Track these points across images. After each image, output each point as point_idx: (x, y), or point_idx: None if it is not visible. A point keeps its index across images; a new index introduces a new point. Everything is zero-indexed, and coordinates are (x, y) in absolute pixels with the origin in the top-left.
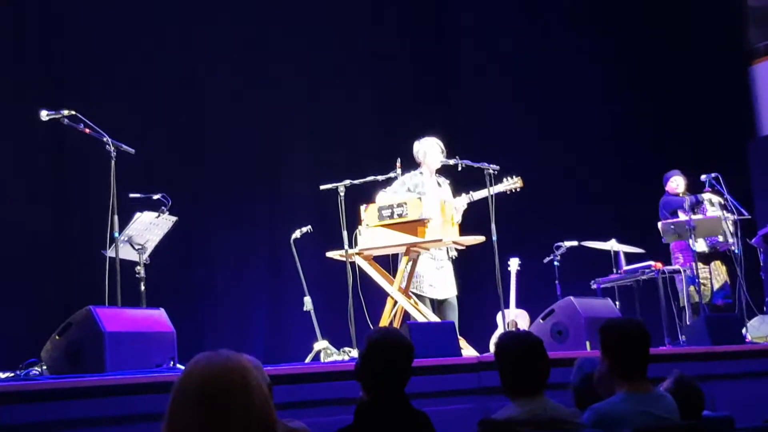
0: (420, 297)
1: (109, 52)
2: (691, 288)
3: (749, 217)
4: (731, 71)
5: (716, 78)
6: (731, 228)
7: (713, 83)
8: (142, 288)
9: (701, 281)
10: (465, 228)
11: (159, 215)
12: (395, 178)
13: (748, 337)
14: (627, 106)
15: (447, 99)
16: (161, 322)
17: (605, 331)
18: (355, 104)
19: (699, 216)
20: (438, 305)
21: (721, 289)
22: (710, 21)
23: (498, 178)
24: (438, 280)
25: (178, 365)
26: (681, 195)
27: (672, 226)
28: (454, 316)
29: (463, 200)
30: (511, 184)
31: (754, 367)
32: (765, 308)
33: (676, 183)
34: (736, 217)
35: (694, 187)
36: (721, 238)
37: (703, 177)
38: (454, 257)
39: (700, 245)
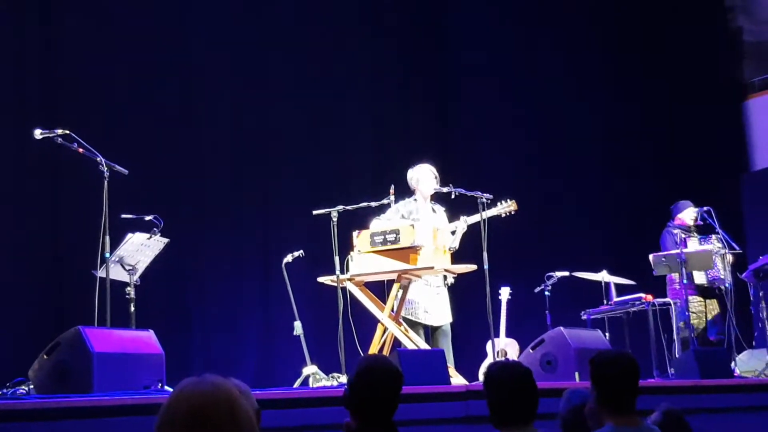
0: (414, 323)
1: (105, 74)
2: (681, 323)
3: (740, 251)
4: (726, 105)
5: (711, 112)
6: (728, 264)
7: (708, 117)
8: (132, 309)
9: (695, 313)
10: (457, 256)
11: (151, 236)
12: (388, 204)
13: (737, 371)
14: (621, 139)
15: (443, 126)
16: (150, 344)
17: (595, 363)
18: (350, 130)
19: (690, 249)
20: (432, 332)
21: (714, 323)
22: (706, 55)
23: (492, 204)
24: (433, 306)
25: (166, 387)
26: (691, 228)
27: (663, 259)
28: (447, 343)
29: (461, 224)
30: (506, 207)
31: (742, 401)
32: (754, 343)
33: (691, 215)
34: (732, 252)
35: None
36: (722, 274)
37: (696, 210)
38: (450, 284)
39: (700, 278)
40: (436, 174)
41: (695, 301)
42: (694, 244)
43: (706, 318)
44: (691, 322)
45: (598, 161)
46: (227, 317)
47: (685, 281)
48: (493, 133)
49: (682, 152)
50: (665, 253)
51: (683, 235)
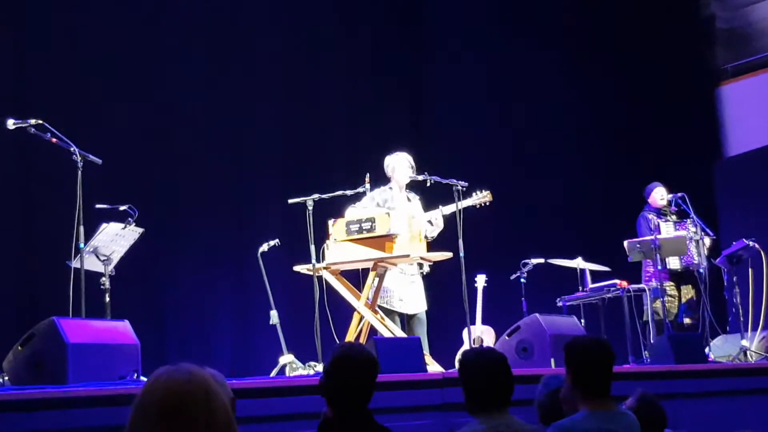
0: (389, 311)
1: (78, 63)
2: (656, 303)
3: (714, 237)
4: (699, 92)
5: (684, 98)
6: (704, 249)
7: (681, 103)
8: (107, 299)
9: (670, 297)
10: (433, 244)
11: (125, 226)
12: (364, 192)
13: (711, 356)
14: (595, 125)
15: (418, 114)
16: (125, 334)
17: (570, 348)
18: (326, 118)
19: (664, 235)
20: (407, 320)
21: (689, 308)
22: (679, 41)
23: (467, 193)
24: (408, 294)
25: (142, 378)
26: (664, 209)
27: (638, 245)
28: (422, 331)
29: (436, 214)
30: (481, 198)
31: (717, 386)
32: (728, 328)
33: (661, 195)
34: (707, 236)
35: None
36: (696, 259)
37: (669, 196)
38: (426, 272)
39: (674, 263)
40: (412, 163)
41: (669, 287)
42: (669, 229)
43: (679, 303)
44: (666, 306)
45: (573, 149)
46: (203, 307)
47: (659, 267)
48: (469, 122)
49: (656, 139)
50: (639, 239)
51: (657, 221)
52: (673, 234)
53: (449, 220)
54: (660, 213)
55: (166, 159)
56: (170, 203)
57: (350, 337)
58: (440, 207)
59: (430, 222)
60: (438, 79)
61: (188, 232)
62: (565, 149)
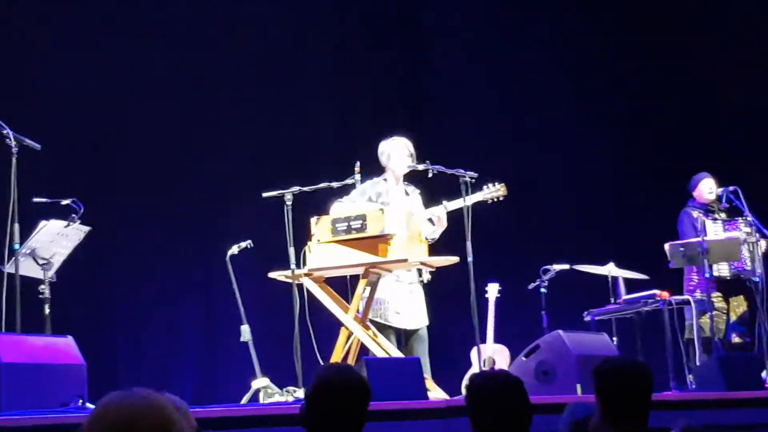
0: (384, 327)
1: (17, 40)
2: (703, 318)
3: None
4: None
5: (738, 73)
6: (759, 253)
7: (733, 79)
8: (47, 311)
9: (717, 312)
10: (435, 246)
11: (68, 224)
12: (353, 185)
13: None
14: (630, 102)
15: (416, 93)
16: (69, 353)
17: (600, 372)
18: (308, 97)
19: (712, 236)
20: (405, 337)
21: (741, 323)
22: (738, 19)
23: (477, 185)
24: (406, 307)
25: (88, 405)
26: (711, 205)
27: (681, 248)
28: (423, 350)
29: (439, 210)
30: (493, 192)
31: None
32: None
33: (709, 187)
34: (765, 240)
35: None
36: (749, 265)
37: (719, 190)
38: (427, 280)
39: (722, 270)
40: (411, 149)
41: (717, 298)
42: (717, 229)
43: (727, 318)
44: (714, 322)
45: (603, 132)
46: (161, 321)
47: (707, 275)
48: (479, 102)
49: (702, 121)
50: (683, 241)
51: (703, 219)
52: (723, 235)
53: (455, 218)
54: (707, 210)
55: (119, 146)
56: (122, 197)
57: (336, 357)
58: (444, 202)
59: (431, 220)
60: (440, 53)
61: (144, 232)
62: (594, 135)
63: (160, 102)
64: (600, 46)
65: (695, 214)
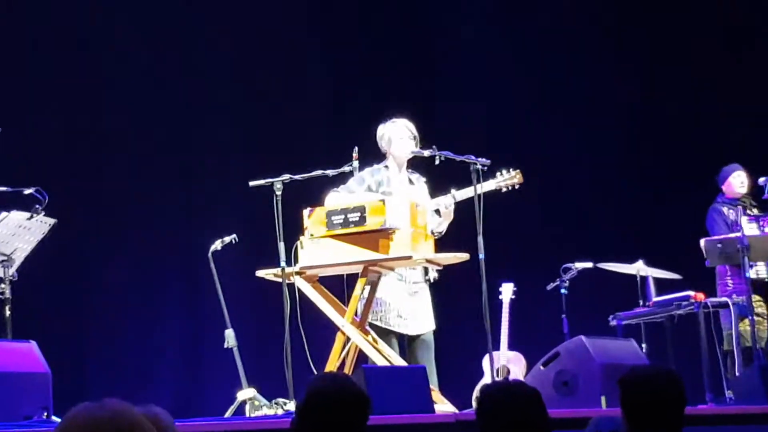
0: (385, 331)
1: None
2: (743, 323)
3: None
4: None
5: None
6: None
7: None
8: (7, 313)
9: (759, 317)
10: (442, 242)
11: (32, 216)
12: (351, 173)
13: None
14: (662, 82)
15: (421, 70)
16: (32, 360)
17: (627, 382)
18: (300, 75)
19: (756, 232)
20: (409, 343)
21: None
22: None
23: (490, 173)
24: (410, 309)
25: (54, 418)
26: (743, 199)
27: (719, 245)
28: (429, 358)
29: (447, 200)
30: (507, 179)
31: None
32: None
33: (741, 180)
34: None
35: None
36: None
37: (761, 180)
38: (434, 279)
39: (760, 271)
40: (415, 132)
41: (757, 303)
42: (752, 225)
43: None
44: (755, 328)
45: (629, 116)
46: (135, 324)
47: (747, 274)
48: (491, 82)
49: (739, 105)
50: (721, 237)
51: (735, 214)
52: (758, 232)
53: (465, 209)
54: (738, 205)
55: (88, 127)
56: (92, 185)
57: (332, 365)
58: (452, 191)
59: (437, 212)
60: (448, 21)
61: (116, 225)
62: (621, 112)
63: (134, 82)
64: (627, 30)
65: (725, 210)
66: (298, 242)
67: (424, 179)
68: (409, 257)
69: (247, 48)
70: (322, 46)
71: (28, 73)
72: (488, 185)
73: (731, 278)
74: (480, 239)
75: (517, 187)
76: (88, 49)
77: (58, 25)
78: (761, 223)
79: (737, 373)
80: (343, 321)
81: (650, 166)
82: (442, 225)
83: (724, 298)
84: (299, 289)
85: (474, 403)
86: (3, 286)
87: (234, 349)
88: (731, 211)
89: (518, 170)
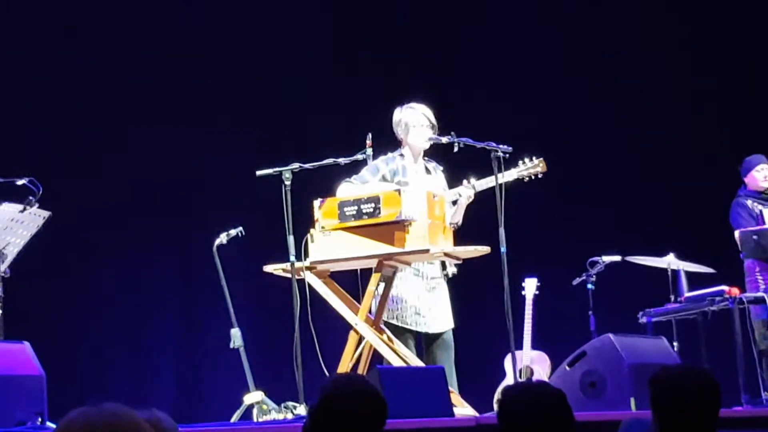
0: (401, 330)
1: None
2: None
3: None
4: None
5: None
6: None
7: None
8: None
9: None
10: (461, 234)
11: (24, 208)
12: (364, 161)
13: None
14: (695, 64)
15: (438, 49)
16: (25, 362)
17: (657, 383)
18: (308, 57)
19: None
20: (426, 343)
21: None
22: None
23: (511, 162)
24: (428, 306)
25: (49, 424)
26: (766, 192)
27: (755, 236)
28: (448, 358)
29: (466, 190)
30: (530, 168)
31: None
32: None
33: (765, 174)
34: None
35: None
36: None
37: None
38: (452, 274)
39: None
40: (432, 119)
41: None
42: None
43: None
44: None
45: (658, 102)
46: (135, 323)
47: None
48: (512, 63)
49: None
50: (759, 228)
51: (760, 207)
52: None
53: (485, 199)
54: (762, 199)
55: (83, 113)
56: (87, 176)
57: (344, 366)
58: (472, 180)
59: (454, 203)
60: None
61: (114, 217)
62: (650, 98)
63: (132, 65)
64: (666, 25)
65: (750, 203)
66: (309, 235)
67: (441, 168)
68: (427, 251)
69: (250, 28)
70: (334, 22)
71: (25, 65)
72: (510, 174)
73: (761, 274)
74: (501, 231)
75: (540, 176)
76: (81, 39)
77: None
78: None
79: None
80: (356, 319)
81: (683, 153)
82: (456, 214)
83: (761, 294)
84: (310, 285)
85: (495, 406)
86: None
87: (240, 350)
88: (756, 204)
89: (541, 158)
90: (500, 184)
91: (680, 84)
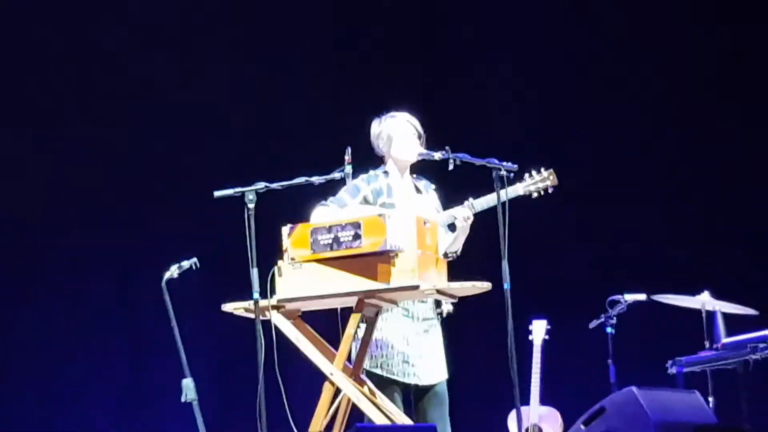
0: (386, 381)
1: None
2: None
3: None
4: None
5: None
6: None
7: None
8: None
9: None
10: (458, 266)
11: None
12: (342, 180)
13: None
14: (722, 79)
15: (429, 49)
16: None
17: None
18: (278, 57)
19: None
20: (417, 397)
21: None
22: None
23: (516, 177)
24: (418, 353)
25: None
26: None
27: None
28: (442, 414)
29: (463, 212)
30: (538, 182)
31: None
32: None
33: None
34: None
35: None
36: None
37: None
38: (447, 314)
39: None
40: (420, 129)
41: None
42: None
43: None
44: None
45: (690, 111)
46: (70, 370)
47: None
48: (513, 67)
49: None
50: None
51: None
52: None
53: (485, 223)
54: None
55: (22, 125)
56: (21, 195)
57: (318, 424)
58: (470, 200)
59: (451, 228)
60: None
61: (46, 242)
62: (676, 110)
63: (78, 75)
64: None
65: None
66: (276, 268)
67: (433, 186)
68: (416, 287)
69: (214, 19)
70: (304, 23)
71: None
72: (515, 190)
73: None
74: (505, 264)
75: (550, 191)
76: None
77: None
78: None
79: None
80: (332, 368)
81: (723, 172)
82: (456, 243)
83: None
84: (277, 328)
85: None
86: None
87: (194, 404)
88: None
89: (551, 170)
90: (503, 204)
91: (716, 80)
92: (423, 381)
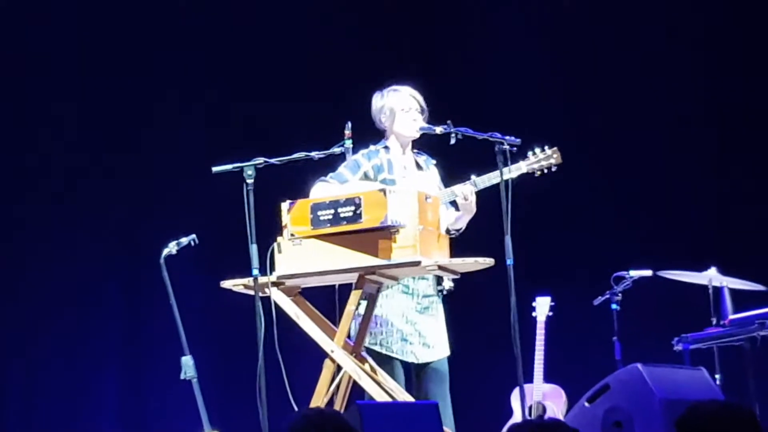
0: (387, 358)
1: None
2: None
3: None
4: None
5: None
6: None
7: None
8: None
9: None
10: (461, 242)
11: None
12: (342, 155)
13: None
14: (735, 55)
15: (430, 22)
16: None
17: (686, 423)
18: (276, 34)
19: None
20: (417, 373)
21: None
22: None
23: (519, 154)
24: (419, 330)
25: None
26: None
27: None
28: (442, 391)
29: (465, 189)
30: (542, 159)
31: None
32: None
33: None
34: None
35: None
36: None
37: None
38: (448, 291)
39: None
40: (422, 102)
41: None
42: None
43: None
44: None
45: (698, 88)
46: (68, 351)
47: None
48: (518, 38)
49: None
50: None
51: None
52: None
53: (488, 199)
54: None
55: (9, 102)
56: (15, 176)
57: (318, 400)
58: (473, 177)
59: (454, 205)
60: None
61: (41, 224)
62: (686, 88)
63: (64, 48)
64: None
65: None
66: (275, 244)
67: (434, 161)
68: (418, 263)
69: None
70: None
71: None
72: (518, 168)
73: None
74: (508, 239)
75: (554, 169)
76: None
77: None
78: None
79: None
80: (332, 345)
81: (732, 145)
82: (460, 221)
83: None
84: (276, 304)
85: None
86: None
87: (193, 381)
88: None
89: (555, 148)
90: (506, 182)
91: (728, 62)
92: (421, 359)
